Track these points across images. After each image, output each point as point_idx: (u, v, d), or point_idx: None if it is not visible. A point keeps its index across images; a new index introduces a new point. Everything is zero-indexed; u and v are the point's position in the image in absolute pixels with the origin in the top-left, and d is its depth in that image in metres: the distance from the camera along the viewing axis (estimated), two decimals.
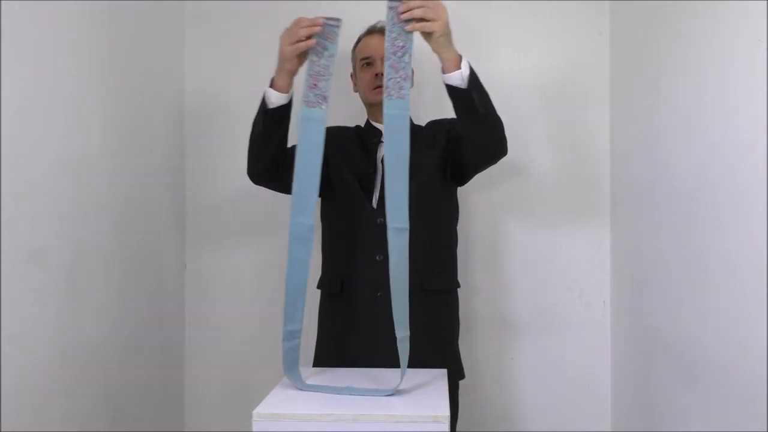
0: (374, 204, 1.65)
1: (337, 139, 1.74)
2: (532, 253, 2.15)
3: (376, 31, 1.77)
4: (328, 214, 1.75)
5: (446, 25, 1.40)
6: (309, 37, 1.40)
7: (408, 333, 1.36)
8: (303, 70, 1.45)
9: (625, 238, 2.03)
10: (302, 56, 1.44)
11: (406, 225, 1.35)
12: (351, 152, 1.74)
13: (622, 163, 2.05)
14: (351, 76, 1.85)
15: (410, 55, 1.37)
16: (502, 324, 2.15)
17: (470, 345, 2.10)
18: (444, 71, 1.46)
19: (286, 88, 1.50)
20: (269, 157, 1.59)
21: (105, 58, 1.73)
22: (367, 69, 1.75)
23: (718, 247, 1.44)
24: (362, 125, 1.83)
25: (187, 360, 2.22)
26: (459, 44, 2.13)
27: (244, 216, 2.21)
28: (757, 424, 1.27)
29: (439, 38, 1.40)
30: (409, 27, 1.36)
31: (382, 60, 1.71)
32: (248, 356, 2.20)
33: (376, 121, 1.76)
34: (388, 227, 1.35)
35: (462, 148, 1.62)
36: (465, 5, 2.15)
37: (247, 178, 2.17)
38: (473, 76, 1.47)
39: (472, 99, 1.46)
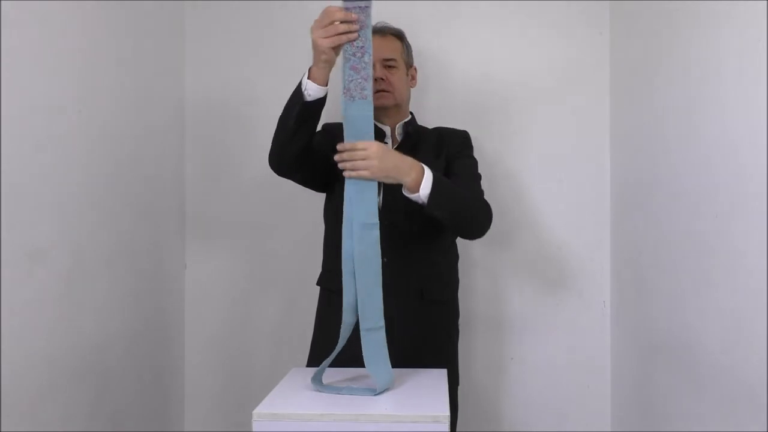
0: (378, 204, 1.64)
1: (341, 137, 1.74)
2: (532, 253, 2.15)
3: (375, 32, 1.76)
4: (331, 212, 1.75)
5: (380, 169, 1.39)
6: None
7: (382, 324, 1.37)
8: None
9: (625, 238, 2.03)
10: (339, 46, 1.41)
11: (376, 220, 1.38)
12: None
13: (622, 162, 2.05)
14: None
15: (370, 55, 1.36)
16: (502, 324, 2.15)
17: (470, 345, 2.10)
18: (407, 190, 1.46)
19: (325, 81, 1.47)
20: (298, 150, 1.56)
21: (105, 58, 1.73)
22: None
23: (718, 247, 1.44)
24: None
25: (187, 360, 2.22)
26: (458, 44, 2.15)
27: (244, 216, 2.21)
28: (758, 424, 1.27)
29: (380, 179, 1.41)
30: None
31: (381, 64, 1.72)
32: (248, 356, 2.20)
33: (379, 122, 1.76)
34: (355, 223, 1.37)
35: None
36: (465, 5, 2.16)
37: (247, 178, 2.19)
38: (434, 195, 1.44)
39: (434, 214, 1.47)
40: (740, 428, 1.34)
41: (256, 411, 1.19)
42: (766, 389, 1.24)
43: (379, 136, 1.72)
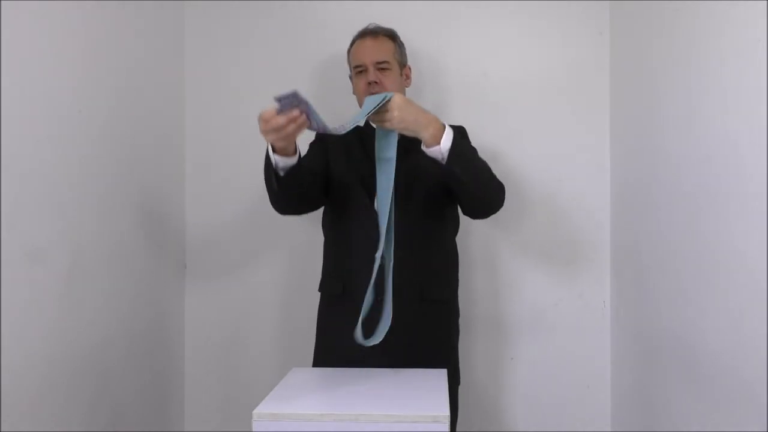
0: (376, 206, 1.64)
1: (338, 141, 1.73)
2: (532, 253, 2.15)
3: (367, 34, 1.75)
4: (330, 216, 1.75)
5: (400, 119, 1.40)
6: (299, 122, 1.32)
7: (390, 258, 1.44)
8: None
9: (625, 238, 2.03)
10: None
11: (393, 155, 1.43)
12: (352, 154, 1.73)
13: (621, 162, 2.05)
14: (349, 77, 1.84)
15: (325, 126, 1.34)
16: (502, 324, 2.15)
17: (470, 345, 2.10)
18: (425, 145, 1.45)
19: (293, 152, 1.44)
20: (294, 203, 1.61)
21: (105, 58, 1.73)
22: (361, 76, 1.73)
23: (718, 247, 1.44)
24: (361, 126, 1.82)
25: (187, 360, 2.22)
26: (457, 44, 2.15)
27: (244, 216, 2.21)
28: (757, 424, 1.27)
29: (400, 130, 1.42)
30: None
31: (374, 67, 1.70)
32: (248, 356, 2.20)
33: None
34: (377, 158, 1.44)
35: (456, 200, 1.63)
36: (465, 5, 2.16)
37: (247, 179, 2.19)
38: (455, 151, 1.43)
39: (453, 173, 1.45)
40: (740, 428, 1.34)
41: (256, 411, 1.19)
42: (766, 389, 1.24)
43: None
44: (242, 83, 2.21)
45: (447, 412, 1.18)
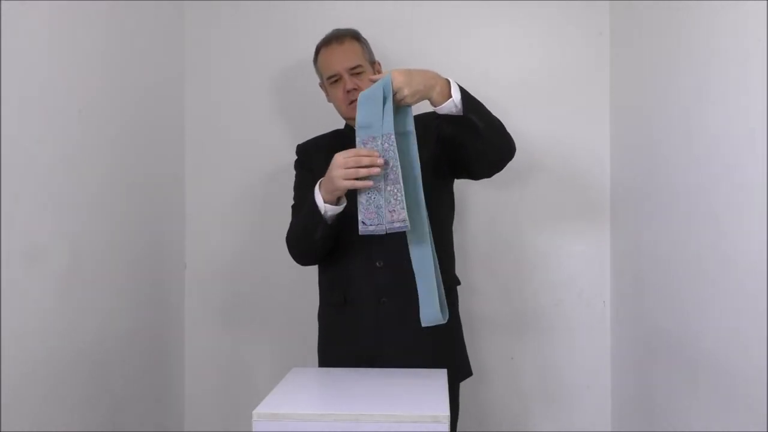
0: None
1: (317, 152, 1.71)
2: (532, 253, 2.15)
3: (332, 40, 1.70)
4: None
5: (412, 95, 1.40)
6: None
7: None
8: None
9: (625, 238, 2.03)
10: None
11: (412, 128, 1.42)
12: None
13: (622, 163, 2.05)
14: (320, 85, 1.79)
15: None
16: (502, 324, 2.15)
17: (470, 345, 2.09)
18: (434, 105, 1.44)
19: (342, 199, 1.50)
20: (324, 252, 1.62)
21: (105, 57, 1.73)
22: (337, 85, 1.68)
23: (718, 247, 1.44)
24: (341, 130, 1.78)
25: (187, 360, 2.22)
26: (457, 43, 2.15)
27: (244, 216, 2.21)
28: (757, 424, 1.27)
29: (414, 98, 1.42)
30: None
31: (349, 73, 1.66)
32: (248, 356, 2.20)
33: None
34: (396, 134, 1.39)
35: (469, 161, 1.59)
36: (465, 5, 2.16)
37: (247, 178, 2.20)
38: (466, 99, 1.43)
39: (471, 121, 1.44)
40: (740, 428, 1.34)
41: (256, 411, 1.19)
42: (765, 389, 1.24)
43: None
44: (242, 83, 2.21)
45: (447, 412, 1.18)
